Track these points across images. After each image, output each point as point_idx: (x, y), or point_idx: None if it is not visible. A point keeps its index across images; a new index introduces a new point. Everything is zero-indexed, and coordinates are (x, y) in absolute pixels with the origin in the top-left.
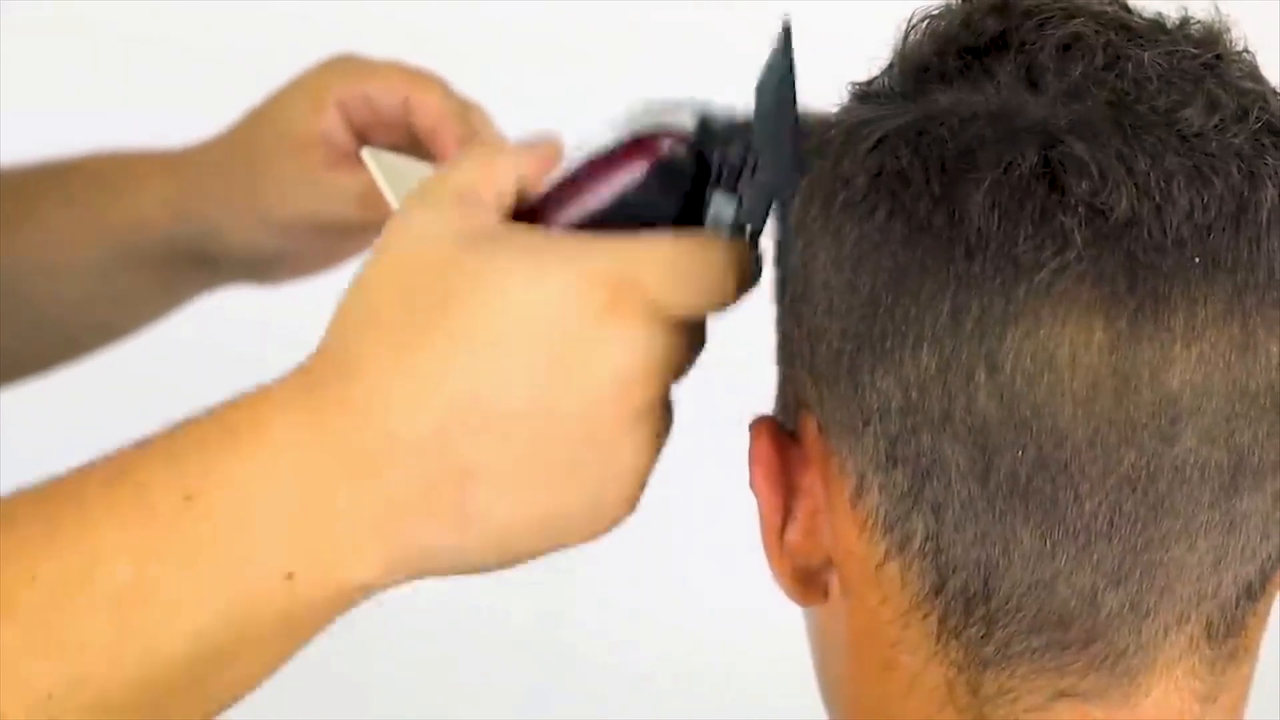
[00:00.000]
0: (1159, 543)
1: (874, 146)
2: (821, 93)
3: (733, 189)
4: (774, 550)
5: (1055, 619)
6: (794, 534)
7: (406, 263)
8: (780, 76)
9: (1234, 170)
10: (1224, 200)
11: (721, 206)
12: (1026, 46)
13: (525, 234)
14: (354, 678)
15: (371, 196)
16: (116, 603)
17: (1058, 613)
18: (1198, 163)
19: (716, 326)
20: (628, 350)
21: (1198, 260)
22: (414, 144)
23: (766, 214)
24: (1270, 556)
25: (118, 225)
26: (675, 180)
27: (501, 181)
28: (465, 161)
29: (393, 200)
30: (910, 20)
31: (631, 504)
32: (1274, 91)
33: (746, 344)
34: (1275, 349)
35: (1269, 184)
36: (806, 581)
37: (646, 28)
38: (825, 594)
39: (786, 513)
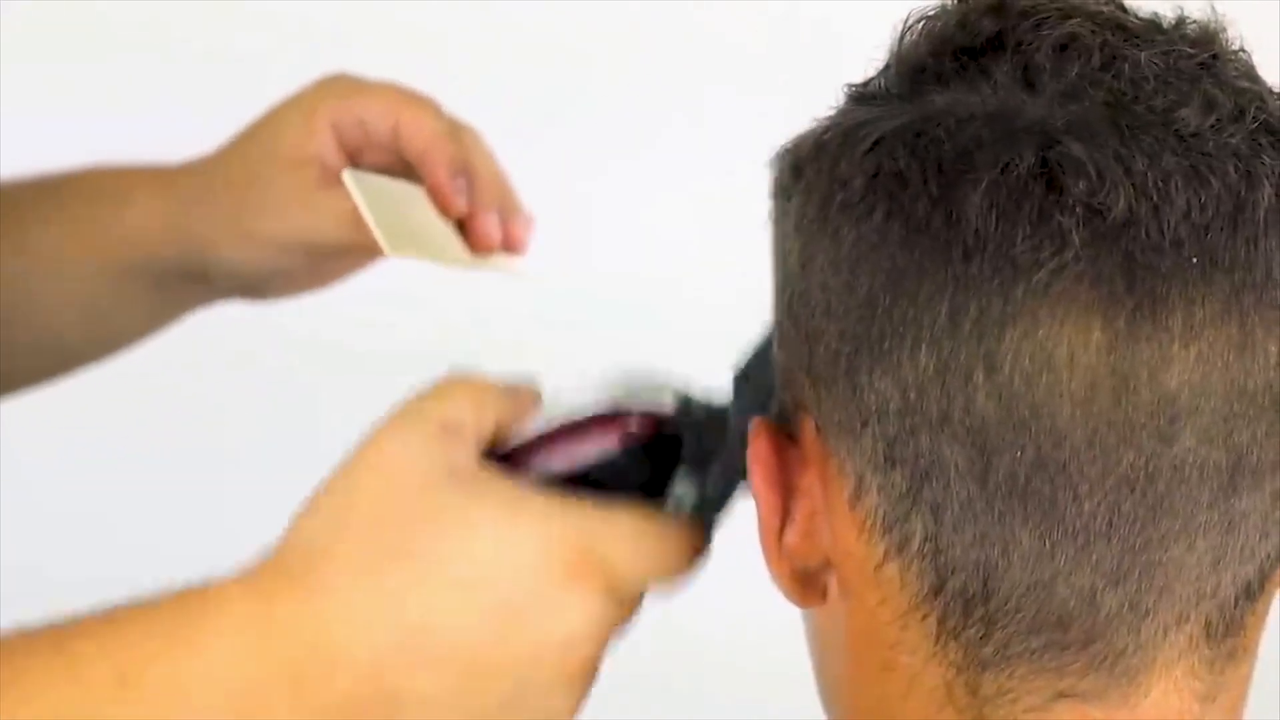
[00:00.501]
0: (1158, 543)
1: (871, 148)
2: (819, 94)
3: (699, 475)
4: (772, 552)
5: (1054, 619)
6: (792, 535)
7: (383, 484)
8: (760, 371)
9: (1231, 170)
10: (1221, 200)
11: (685, 488)
12: (1023, 47)
13: (503, 482)
14: None
15: (353, 223)
16: None
17: (1057, 613)
18: (1195, 163)
19: (716, 327)
20: (579, 617)
21: (1195, 260)
22: (406, 165)
23: (726, 504)
24: (1269, 556)
25: (110, 240)
26: (643, 459)
27: (484, 421)
28: (453, 392)
29: (372, 223)
30: (906, 21)
31: None
32: (1271, 91)
33: (745, 345)
34: (1273, 348)
35: (1266, 183)
36: (805, 583)
37: (646, 27)
38: (824, 595)
39: (785, 514)
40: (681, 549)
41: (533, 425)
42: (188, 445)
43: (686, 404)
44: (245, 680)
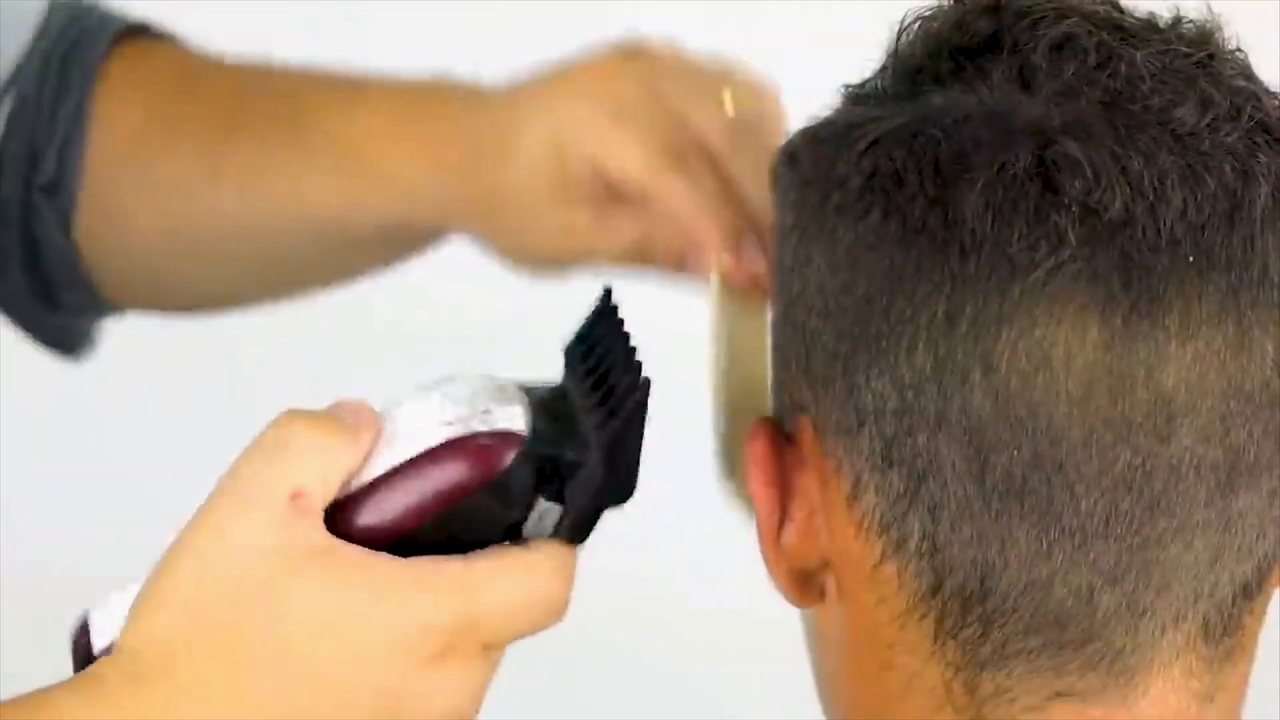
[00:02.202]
0: (1155, 541)
1: (868, 148)
2: (816, 94)
3: (558, 495)
4: (770, 552)
5: (1052, 619)
6: (790, 535)
7: (236, 574)
8: (609, 345)
9: (1227, 169)
10: (1218, 199)
11: (545, 514)
12: (1019, 47)
13: (361, 562)
14: None
15: (645, 250)
16: None
17: (1054, 612)
18: (1191, 161)
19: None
20: (461, 691)
21: (1192, 259)
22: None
23: (590, 529)
24: (1266, 555)
25: (359, 205)
26: (508, 494)
27: (331, 478)
28: (295, 450)
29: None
30: (903, 21)
31: None
32: (1266, 90)
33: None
34: (1270, 347)
35: (1262, 182)
36: (803, 583)
37: (644, 26)
38: (822, 595)
39: (783, 514)
40: (558, 590)
41: (376, 457)
42: (189, 443)
43: (540, 417)
44: None
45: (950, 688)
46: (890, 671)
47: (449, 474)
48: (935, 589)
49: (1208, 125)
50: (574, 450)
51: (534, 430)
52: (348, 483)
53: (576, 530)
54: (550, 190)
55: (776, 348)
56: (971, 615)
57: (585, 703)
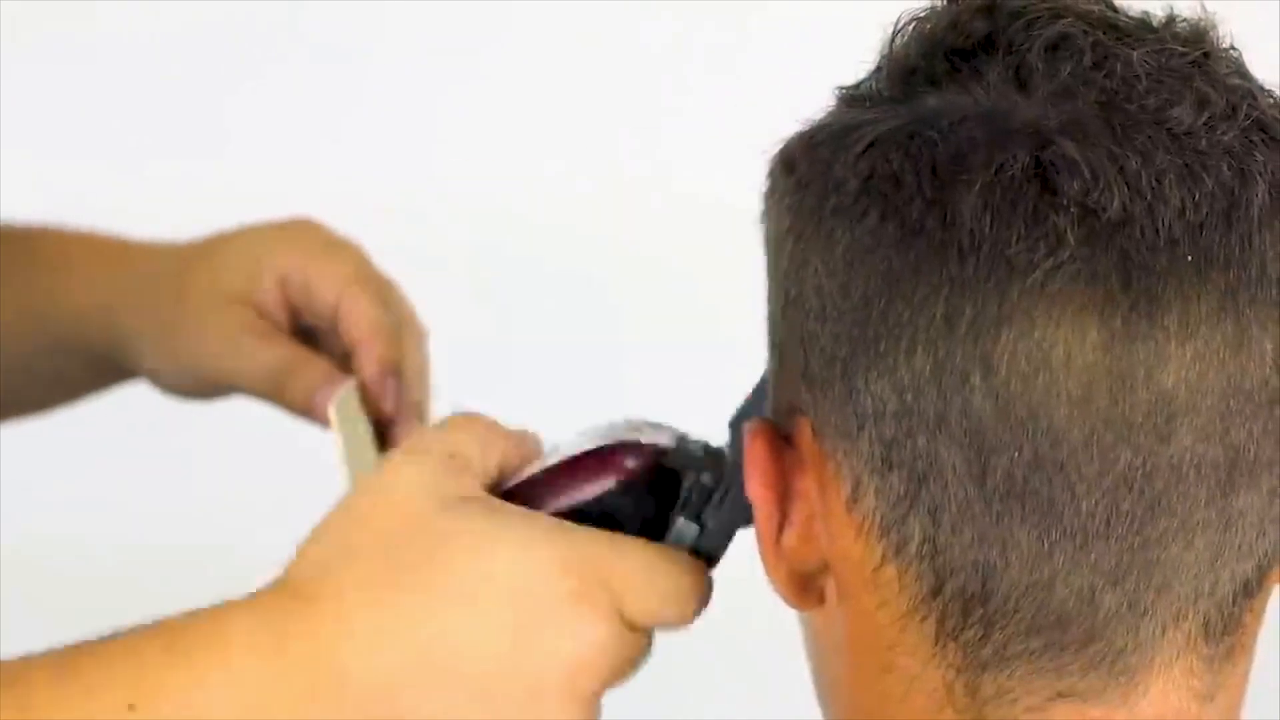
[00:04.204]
0: (1156, 541)
1: (864, 150)
2: (811, 96)
3: (697, 516)
4: (770, 555)
5: (1053, 619)
6: (790, 538)
7: (392, 508)
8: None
9: (1224, 168)
10: (1215, 198)
11: (683, 530)
12: (1015, 47)
13: (512, 508)
14: None
15: (283, 379)
16: None
17: (1056, 613)
18: (1188, 161)
19: (713, 327)
20: (585, 638)
21: (1190, 258)
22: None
23: (727, 545)
24: (1267, 553)
25: (49, 312)
26: (642, 496)
27: (489, 457)
28: (459, 427)
29: (341, 460)
30: (897, 23)
31: None
32: (1262, 89)
33: (742, 347)
34: (1269, 346)
35: (1259, 181)
36: (803, 586)
37: (640, 27)
38: (822, 598)
39: (782, 517)
40: (690, 587)
41: (534, 465)
42: (194, 447)
43: (684, 444)
44: (255, 705)
45: (951, 689)
46: (891, 674)
47: (591, 474)
48: (936, 591)
49: (1204, 124)
50: (711, 473)
51: (675, 448)
52: (505, 479)
53: (710, 548)
54: (232, 297)
55: (774, 349)
56: (973, 617)
57: None
